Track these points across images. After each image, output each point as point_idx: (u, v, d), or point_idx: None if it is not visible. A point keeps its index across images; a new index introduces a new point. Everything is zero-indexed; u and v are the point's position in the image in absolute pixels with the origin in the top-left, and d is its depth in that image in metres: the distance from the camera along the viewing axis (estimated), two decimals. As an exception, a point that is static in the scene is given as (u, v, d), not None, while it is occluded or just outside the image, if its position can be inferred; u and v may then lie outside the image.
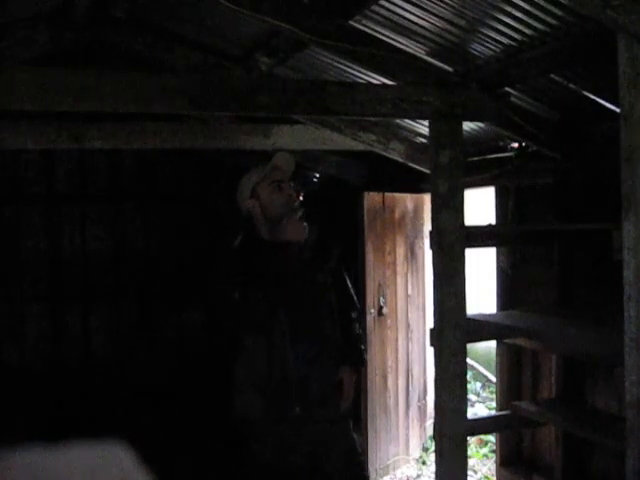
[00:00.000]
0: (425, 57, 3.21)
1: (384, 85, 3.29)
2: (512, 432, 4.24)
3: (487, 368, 6.45)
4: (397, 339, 4.94)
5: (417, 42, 3.12)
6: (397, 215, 4.95)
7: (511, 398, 4.18)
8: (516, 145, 3.95)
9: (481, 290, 5.79)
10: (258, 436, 2.69)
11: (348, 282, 3.03)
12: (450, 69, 3.25)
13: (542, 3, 2.46)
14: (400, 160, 4.67)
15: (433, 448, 4.29)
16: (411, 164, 4.69)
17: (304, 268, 2.75)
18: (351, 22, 3.04)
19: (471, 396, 6.17)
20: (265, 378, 2.66)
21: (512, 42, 2.85)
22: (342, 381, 2.87)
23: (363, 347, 3.05)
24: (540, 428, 4.02)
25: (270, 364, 2.65)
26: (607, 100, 3.05)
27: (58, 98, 2.53)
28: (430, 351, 3.61)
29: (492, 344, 4.63)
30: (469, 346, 3.27)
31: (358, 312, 3.10)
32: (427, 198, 4.79)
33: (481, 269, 5.83)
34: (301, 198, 2.82)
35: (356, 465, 2.83)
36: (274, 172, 2.77)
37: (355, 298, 3.10)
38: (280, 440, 2.68)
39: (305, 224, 2.77)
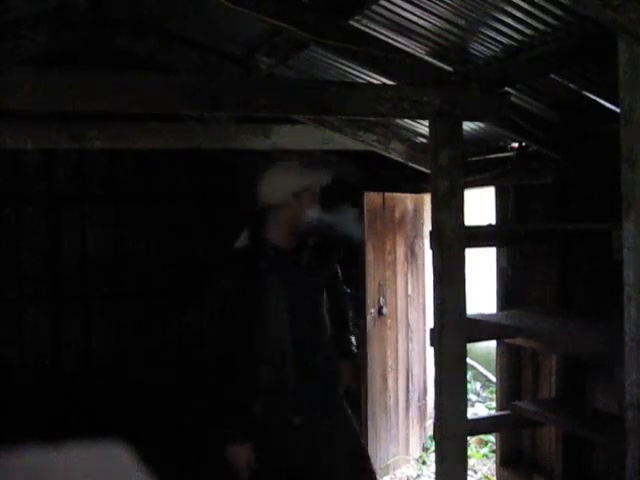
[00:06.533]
0: (425, 57, 3.21)
1: (384, 85, 3.29)
2: (512, 432, 4.24)
3: (487, 368, 6.44)
4: (397, 339, 4.94)
5: (417, 42, 3.12)
6: (397, 215, 4.95)
7: (511, 398, 4.18)
8: (516, 145, 3.95)
9: (481, 290, 5.78)
10: (262, 438, 2.68)
11: (344, 292, 3.04)
12: (450, 69, 3.25)
13: (542, 3, 2.46)
14: (400, 160, 4.67)
15: (433, 448, 4.29)
16: (411, 164, 4.69)
17: (305, 271, 2.75)
18: (351, 22, 3.04)
19: (471, 396, 6.17)
20: (264, 381, 2.66)
21: (512, 42, 2.84)
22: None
23: (354, 345, 3.09)
24: (540, 428, 4.01)
25: (269, 367, 2.64)
26: (607, 100, 3.05)
27: (58, 98, 2.53)
28: (430, 351, 3.61)
29: (492, 344, 4.63)
30: (469, 346, 3.26)
31: (350, 329, 3.11)
32: (427, 198, 4.78)
33: (481, 269, 5.82)
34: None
35: (362, 458, 2.84)
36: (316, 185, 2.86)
37: (349, 315, 3.12)
38: (282, 444, 2.66)
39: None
